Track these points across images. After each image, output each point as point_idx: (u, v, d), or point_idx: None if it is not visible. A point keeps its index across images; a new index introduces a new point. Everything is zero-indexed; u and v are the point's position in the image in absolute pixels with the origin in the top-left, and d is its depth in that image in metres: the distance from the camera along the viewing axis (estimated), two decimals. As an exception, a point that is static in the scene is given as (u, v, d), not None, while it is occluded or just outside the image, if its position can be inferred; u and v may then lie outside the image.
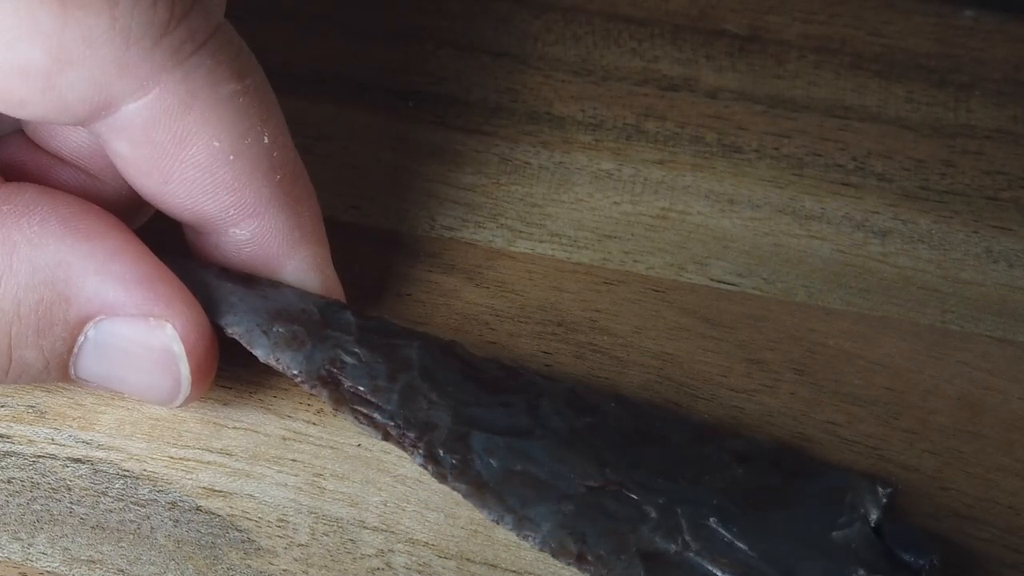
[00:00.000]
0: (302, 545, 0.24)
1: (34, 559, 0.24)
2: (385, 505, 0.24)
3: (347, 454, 0.25)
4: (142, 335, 0.22)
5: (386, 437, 0.23)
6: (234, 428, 0.25)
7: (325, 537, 0.24)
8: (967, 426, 0.26)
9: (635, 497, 0.23)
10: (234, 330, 0.24)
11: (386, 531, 0.24)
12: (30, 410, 0.25)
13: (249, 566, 0.24)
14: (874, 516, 0.23)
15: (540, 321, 0.27)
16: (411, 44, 0.33)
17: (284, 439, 0.25)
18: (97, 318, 0.22)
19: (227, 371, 0.26)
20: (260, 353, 0.23)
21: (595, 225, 0.29)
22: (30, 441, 0.25)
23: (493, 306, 0.28)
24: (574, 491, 0.23)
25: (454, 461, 0.23)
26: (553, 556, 0.22)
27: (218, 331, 0.24)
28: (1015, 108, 0.32)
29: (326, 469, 0.25)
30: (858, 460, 0.25)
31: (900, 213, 0.30)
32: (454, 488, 0.23)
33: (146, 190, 0.23)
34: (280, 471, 0.25)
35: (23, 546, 0.24)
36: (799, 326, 0.28)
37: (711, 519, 0.23)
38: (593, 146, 0.31)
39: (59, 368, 0.23)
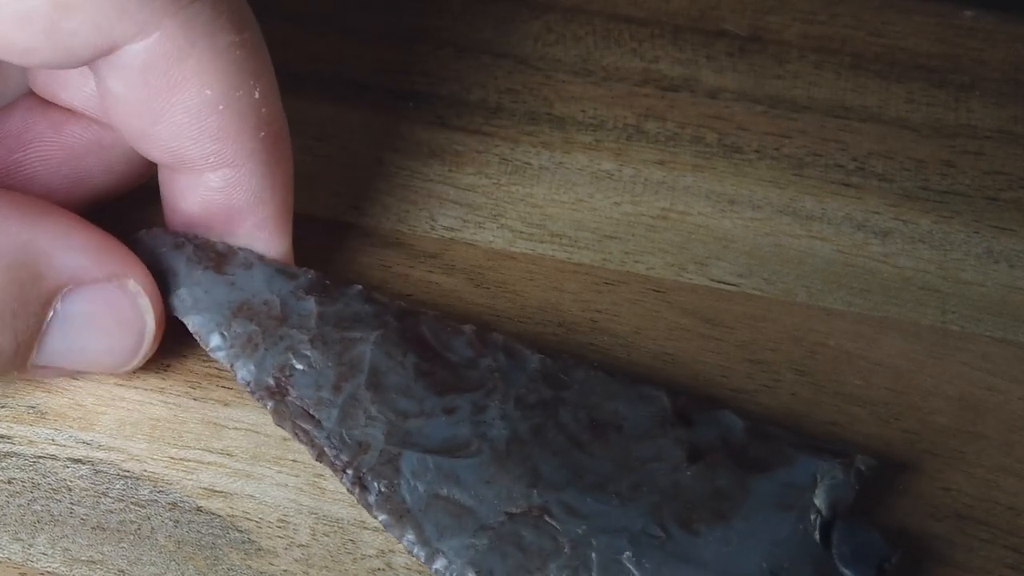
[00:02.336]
0: (303, 546, 0.24)
1: (35, 560, 0.24)
2: (386, 506, 0.24)
3: (348, 455, 0.25)
4: (108, 296, 0.23)
5: (320, 457, 0.24)
6: (235, 429, 0.25)
7: (326, 537, 0.24)
8: (968, 427, 0.26)
9: (555, 525, 0.23)
10: (195, 329, 0.25)
11: (386, 531, 0.24)
12: (30, 411, 0.25)
13: (250, 567, 0.24)
14: (824, 506, 0.23)
15: (540, 322, 0.27)
16: (411, 44, 0.33)
17: (285, 439, 0.25)
18: (65, 289, 0.23)
19: (228, 372, 0.26)
20: (217, 357, 0.24)
21: (595, 226, 0.29)
22: (30, 442, 0.25)
23: (494, 307, 0.28)
24: (493, 520, 0.23)
25: (381, 488, 0.23)
26: None
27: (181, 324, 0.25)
28: (1015, 108, 0.32)
29: (326, 470, 0.25)
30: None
31: (901, 213, 0.30)
32: (375, 517, 0.23)
33: (131, 130, 0.23)
34: (281, 471, 0.25)
35: (24, 547, 0.24)
36: (799, 326, 0.28)
37: (626, 554, 0.22)
38: (593, 146, 0.31)
39: (25, 354, 0.23)
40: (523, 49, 0.33)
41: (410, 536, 0.23)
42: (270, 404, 0.24)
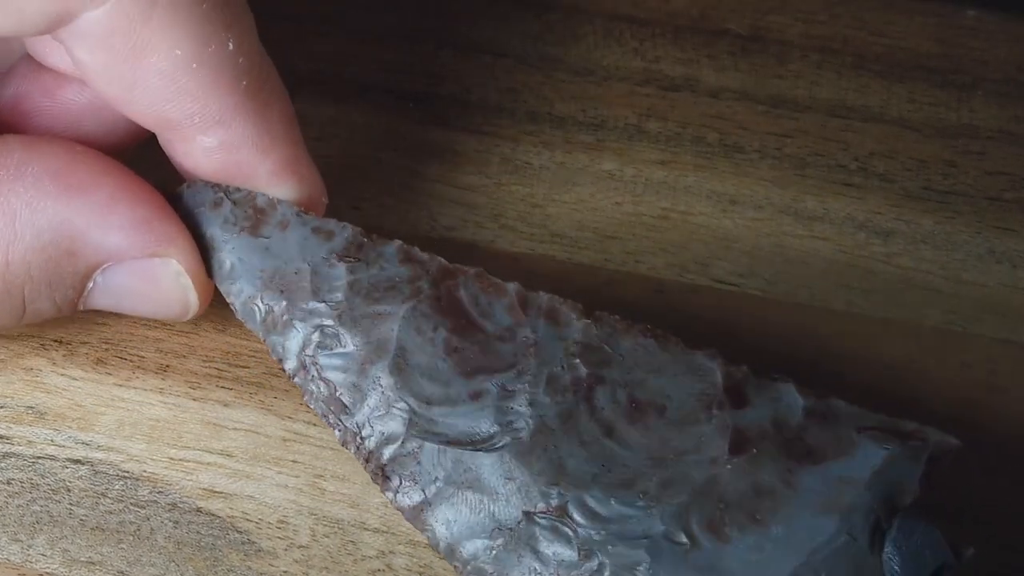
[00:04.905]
0: (303, 547, 0.24)
1: (34, 560, 0.24)
2: (386, 506, 0.24)
3: (348, 455, 0.25)
4: (149, 274, 0.23)
5: (345, 443, 0.23)
6: (234, 429, 0.25)
7: (326, 539, 0.24)
8: (969, 427, 0.26)
9: (572, 530, 0.22)
10: (230, 299, 0.24)
11: (387, 532, 0.24)
12: (29, 411, 0.25)
13: (249, 568, 0.24)
14: (881, 503, 0.21)
15: (541, 322, 0.27)
16: (412, 44, 0.32)
17: (284, 440, 0.25)
18: (104, 266, 0.23)
19: (228, 372, 0.26)
20: (251, 328, 0.24)
21: (596, 226, 0.29)
22: (29, 442, 0.25)
23: (494, 307, 0.27)
24: (511, 520, 0.22)
25: (403, 480, 0.23)
26: None
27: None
28: (1017, 108, 0.32)
29: (327, 470, 0.25)
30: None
31: (903, 214, 0.30)
32: (397, 508, 0.23)
33: (110, 97, 0.23)
34: (280, 472, 0.25)
35: (23, 547, 0.24)
36: (801, 327, 0.28)
37: (641, 566, 0.21)
38: (595, 146, 0.31)
39: (69, 309, 0.24)
40: (523, 49, 0.33)
41: (430, 530, 0.23)
42: (299, 382, 0.24)
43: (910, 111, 0.32)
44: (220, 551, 0.24)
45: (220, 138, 0.23)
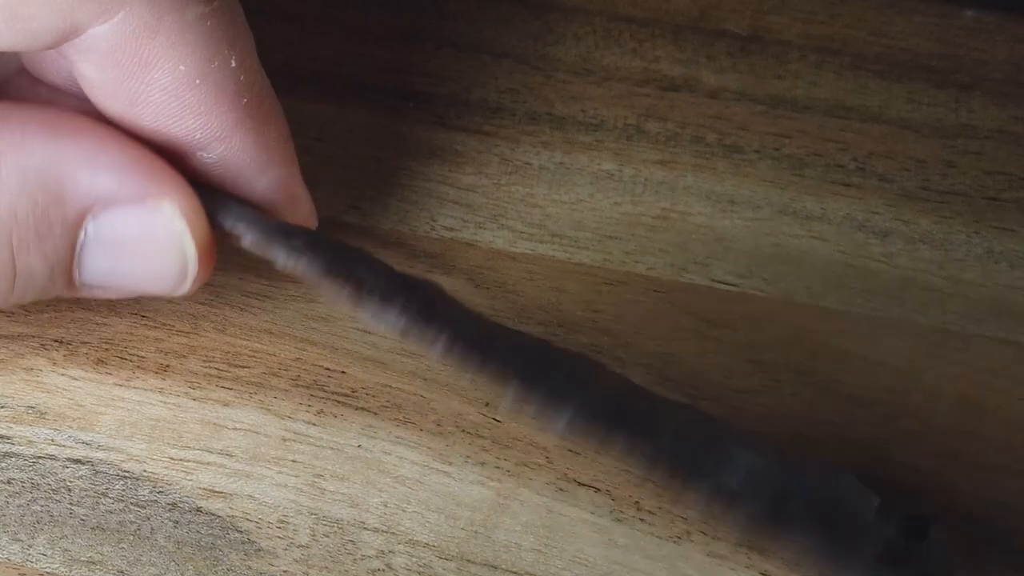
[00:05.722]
0: (302, 546, 0.24)
1: (34, 560, 0.24)
2: (385, 506, 0.24)
3: (347, 455, 0.25)
4: (142, 218, 0.22)
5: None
6: (234, 429, 0.25)
7: (325, 538, 0.24)
8: (968, 427, 0.26)
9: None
10: (240, 233, 0.23)
11: (387, 532, 0.24)
12: (30, 411, 0.25)
13: (249, 567, 0.24)
14: None
15: (541, 322, 0.27)
16: (411, 44, 0.33)
17: (284, 440, 0.25)
18: (94, 210, 0.22)
19: (228, 372, 0.26)
20: (279, 256, 0.22)
21: (596, 226, 0.29)
22: (30, 442, 0.25)
23: (494, 307, 0.28)
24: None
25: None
26: None
27: (229, 239, 0.23)
28: (1016, 108, 0.32)
29: (326, 470, 0.25)
30: (859, 461, 0.25)
31: (901, 214, 0.30)
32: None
33: (112, 112, 0.23)
34: (280, 472, 0.25)
35: (23, 547, 0.24)
36: (800, 327, 0.28)
37: None
38: (594, 146, 0.31)
39: (64, 275, 0.23)
40: (523, 49, 0.33)
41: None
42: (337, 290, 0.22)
43: (909, 111, 0.32)
44: (220, 551, 0.24)
45: (219, 154, 0.23)
